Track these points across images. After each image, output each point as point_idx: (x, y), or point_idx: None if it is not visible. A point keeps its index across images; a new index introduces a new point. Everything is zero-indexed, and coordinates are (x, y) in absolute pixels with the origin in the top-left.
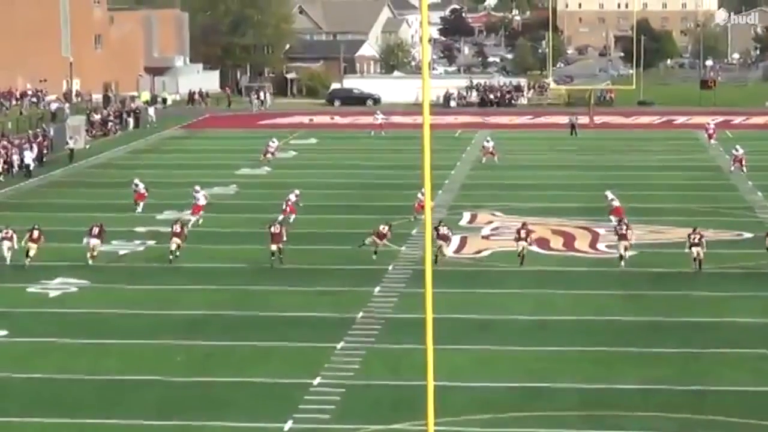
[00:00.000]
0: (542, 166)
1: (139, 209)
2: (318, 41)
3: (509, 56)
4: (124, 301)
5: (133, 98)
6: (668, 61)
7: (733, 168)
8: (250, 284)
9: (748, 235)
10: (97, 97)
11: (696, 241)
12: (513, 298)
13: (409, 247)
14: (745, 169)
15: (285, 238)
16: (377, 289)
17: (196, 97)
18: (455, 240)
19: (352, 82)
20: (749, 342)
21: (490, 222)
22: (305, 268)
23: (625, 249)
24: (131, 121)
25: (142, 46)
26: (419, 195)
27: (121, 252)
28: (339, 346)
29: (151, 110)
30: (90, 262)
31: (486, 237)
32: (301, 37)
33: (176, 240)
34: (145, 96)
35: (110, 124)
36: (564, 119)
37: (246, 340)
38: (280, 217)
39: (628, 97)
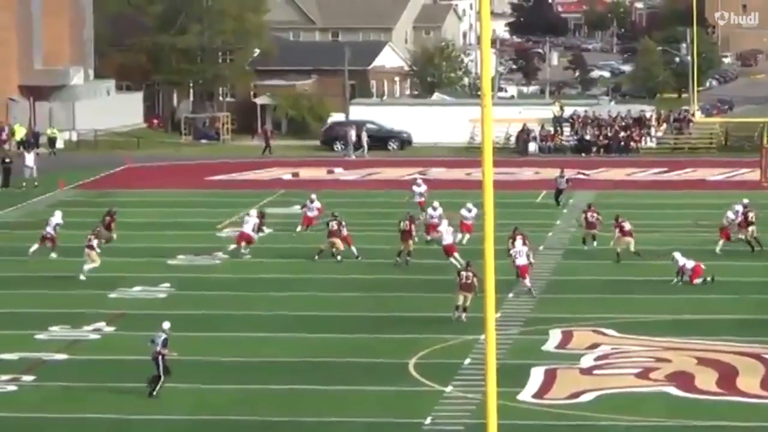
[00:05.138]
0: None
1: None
2: (308, 43)
3: (626, 68)
4: None
5: None
6: None
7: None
8: None
9: None
10: None
11: (627, 230)
12: None
13: (459, 386)
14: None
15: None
16: None
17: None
18: (536, 375)
19: (364, 111)
20: None
21: (595, 345)
22: None
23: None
24: None
25: (16, 51)
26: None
27: None
28: None
29: (29, 158)
30: None
31: (588, 371)
32: (279, 36)
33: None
34: (20, 133)
35: None
36: (718, 173)
37: None
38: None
39: None
